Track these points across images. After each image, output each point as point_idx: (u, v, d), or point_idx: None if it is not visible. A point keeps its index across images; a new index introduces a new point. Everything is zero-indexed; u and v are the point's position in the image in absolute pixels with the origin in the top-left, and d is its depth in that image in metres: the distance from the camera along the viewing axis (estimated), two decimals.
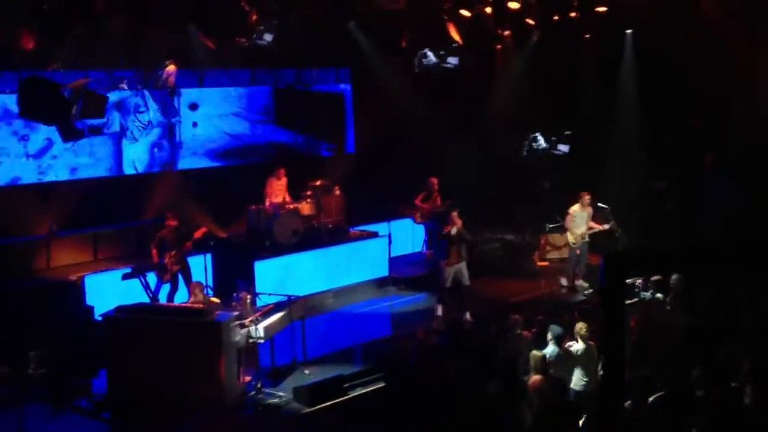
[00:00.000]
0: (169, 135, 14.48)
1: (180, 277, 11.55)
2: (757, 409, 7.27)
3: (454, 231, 11.74)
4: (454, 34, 14.46)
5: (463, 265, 11.89)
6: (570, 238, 13.23)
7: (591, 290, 12.64)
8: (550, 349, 8.74)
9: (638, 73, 15.75)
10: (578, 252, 13.24)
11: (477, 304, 12.09)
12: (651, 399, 7.55)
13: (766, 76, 14.47)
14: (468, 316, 11.82)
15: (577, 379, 8.60)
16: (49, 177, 13.15)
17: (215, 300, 10.29)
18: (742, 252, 4.01)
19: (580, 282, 13.31)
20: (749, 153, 14.38)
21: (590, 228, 13.22)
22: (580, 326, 8.83)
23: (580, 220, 13.21)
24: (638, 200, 15.06)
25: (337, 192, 14.83)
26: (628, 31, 15.53)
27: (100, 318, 10.11)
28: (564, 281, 13.28)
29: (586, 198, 13.22)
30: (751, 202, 13.90)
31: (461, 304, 11.97)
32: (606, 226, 13.22)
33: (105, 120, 13.04)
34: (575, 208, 13.25)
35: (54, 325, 10.70)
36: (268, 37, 13.02)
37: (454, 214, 11.89)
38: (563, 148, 15.72)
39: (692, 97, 14.75)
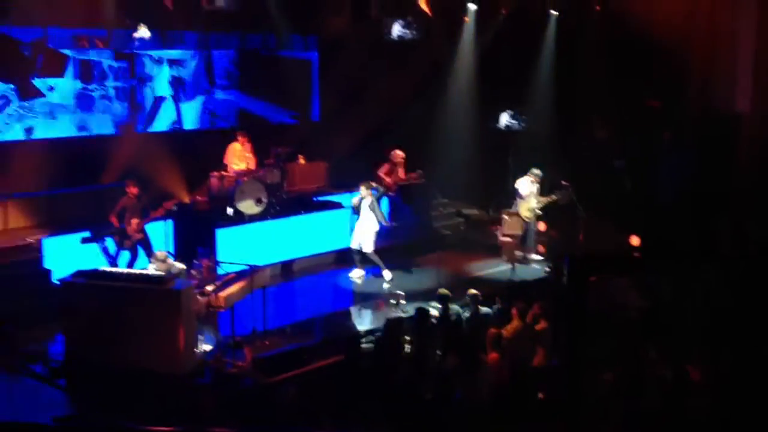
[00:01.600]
0: (130, 97, 14.22)
1: (140, 245, 11.41)
2: (703, 389, 7.48)
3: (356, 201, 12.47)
4: (423, 5, 14.39)
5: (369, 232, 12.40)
6: (523, 212, 13.42)
7: (549, 268, 12.80)
8: (514, 325, 8.85)
9: (602, 52, 15.85)
10: (532, 226, 13.50)
11: (438, 277, 12.15)
12: (604, 376, 7.73)
13: (724, 61, 14.74)
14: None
15: (538, 356, 8.74)
16: (6, 136, 12.84)
17: (181, 265, 10.19)
18: (700, 252, 4.09)
19: (532, 255, 13.49)
20: (705, 132, 14.68)
21: (539, 201, 13.44)
22: (538, 305, 8.96)
23: (528, 195, 13.42)
24: (599, 177, 15.27)
25: (301, 161, 14.75)
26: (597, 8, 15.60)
27: (57, 282, 9.97)
28: (521, 255, 13.44)
29: (536, 173, 13.44)
30: (707, 178, 14.21)
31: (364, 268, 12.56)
32: (553, 197, 13.43)
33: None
34: (523, 182, 13.47)
35: (9, 288, 10.52)
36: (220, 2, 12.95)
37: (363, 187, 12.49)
38: (527, 125, 15.83)
39: (651, 78, 14.96)
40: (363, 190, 12.47)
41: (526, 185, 13.46)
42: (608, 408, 7.42)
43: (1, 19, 11.88)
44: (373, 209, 12.41)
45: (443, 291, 9.81)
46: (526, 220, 13.43)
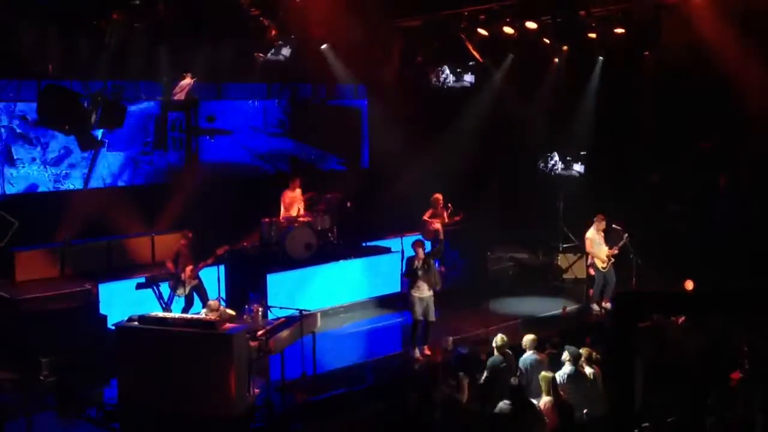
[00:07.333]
0: (186, 146, 14.56)
1: (195, 292, 11.55)
2: None
3: (418, 263, 10.91)
4: (474, 51, 14.53)
5: (431, 297, 11.05)
6: (598, 263, 13.13)
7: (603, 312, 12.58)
8: (567, 370, 8.67)
9: (654, 96, 15.72)
10: (606, 275, 13.10)
11: (489, 322, 12.01)
12: (666, 422, 7.51)
13: None
14: (426, 350, 11.07)
15: (591, 402, 8.53)
16: (66, 185, 13.24)
17: (232, 312, 10.30)
18: (754, 294, 3.95)
19: (607, 305, 13.06)
20: (762, 174, 14.39)
21: (610, 249, 13.14)
22: (587, 352, 8.78)
23: (598, 243, 13.15)
24: (652, 221, 15.03)
25: (351, 206, 14.84)
26: (645, 53, 15.49)
27: (112, 327, 10.13)
28: (595, 306, 13.17)
29: (602, 222, 13.15)
30: (763, 220, 13.89)
31: (421, 340, 11.10)
32: (615, 250, 13.17)
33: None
34: (591, 233, 13.16)
35: (67, 332, 10.73)
36: (285, 52, 13.13)
37: (419, 248, 11.03)
38: (578, 168, 15.72)
39: (704, 120, 14.77)
40: (420, 251, 11.03)
41: (594, 235, 13.14)
42: None
43: (63, 73, 12.32)
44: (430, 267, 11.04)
45: (498, 337, 9.62)
46: (602, 270, 13.16)
